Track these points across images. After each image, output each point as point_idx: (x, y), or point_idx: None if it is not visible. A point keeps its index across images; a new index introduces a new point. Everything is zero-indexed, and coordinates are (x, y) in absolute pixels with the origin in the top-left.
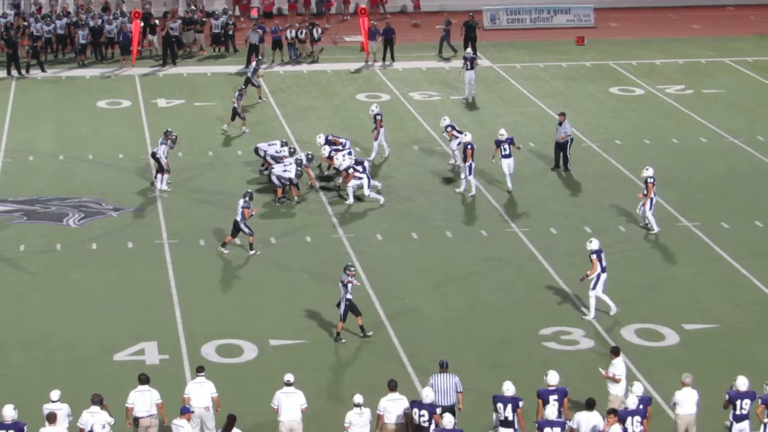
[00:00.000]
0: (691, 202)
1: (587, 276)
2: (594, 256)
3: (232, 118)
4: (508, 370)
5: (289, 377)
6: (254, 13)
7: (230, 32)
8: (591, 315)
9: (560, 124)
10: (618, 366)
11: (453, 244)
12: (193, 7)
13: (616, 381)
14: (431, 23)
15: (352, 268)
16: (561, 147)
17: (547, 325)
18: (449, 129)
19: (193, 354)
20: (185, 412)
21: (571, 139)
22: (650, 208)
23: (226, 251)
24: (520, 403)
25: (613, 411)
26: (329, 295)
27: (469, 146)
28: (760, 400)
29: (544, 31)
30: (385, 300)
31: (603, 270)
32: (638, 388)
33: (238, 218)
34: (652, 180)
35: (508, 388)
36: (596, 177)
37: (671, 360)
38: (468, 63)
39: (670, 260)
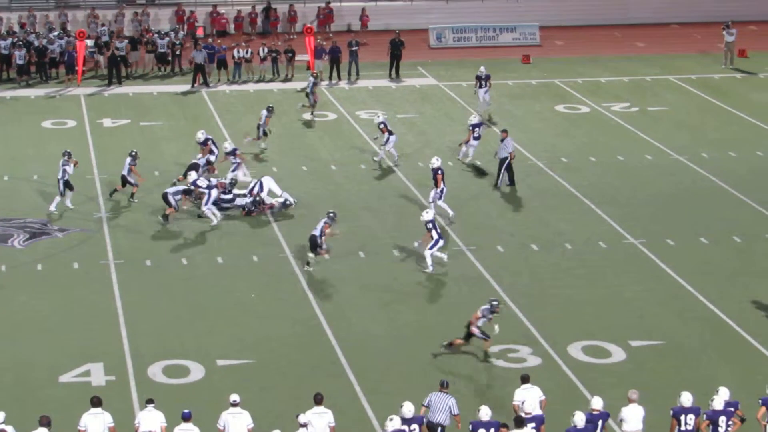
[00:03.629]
0: (637, 219)
1: None
2: None
3: (258, 137)
4: (456, 388)
5: (234, 397)
6: (200, 32)
7: (177, 52)
8: None
9: (502, 140)
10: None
11: (400, 262)
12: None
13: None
14: (378, 42)
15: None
16: (503, 164)
17: (494, 342)
18: (382, 126)
19: (139, 375)
20: (187, 417)
21: (512, 156)
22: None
23: (311, 269)
24: (424, 420)
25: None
26: (276, 314)
27: (439, 171)
28: (704, 416)
29: (490, 49)
30: (332, 318)
31: None
32: (596, 402)
33: (317, 233)
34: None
35: (410, 410)
36: (542, 195)
37: (618, 377)
38: (479, 82)
39: (616, 277)
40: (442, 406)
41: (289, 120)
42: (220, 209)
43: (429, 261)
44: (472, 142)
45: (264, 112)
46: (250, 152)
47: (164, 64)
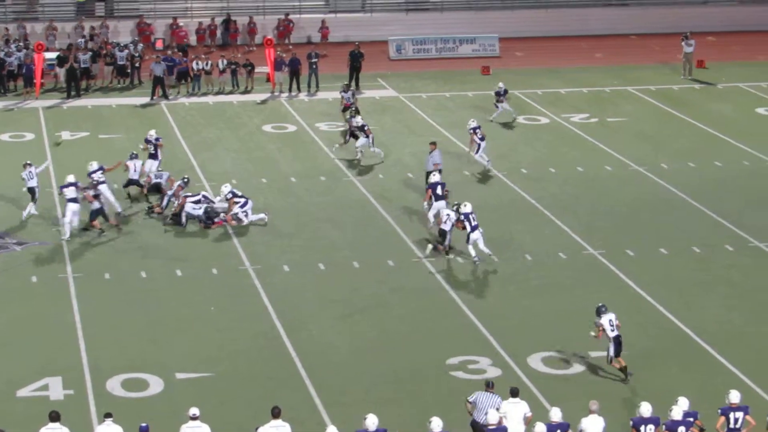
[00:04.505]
0: (597, 230)
1: None
2: None
3: (347, 140)
4: (417, 400)
5: (194, 411)
6: (159, 45)
7: (136, 64)
8: None
9: (431, 153)
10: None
11: (360, 274)
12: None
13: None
14: (337, 54)
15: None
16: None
17: (454, 354)
18: (367, 128)
19: (98, 389)
20: (146, 431)
21: (440, 170)
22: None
23: (428, 254)
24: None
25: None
26: (235, 327)
27: (428, 188)
28: (664, 426)
29: (449, 60)
30: (292, 331)
31: None
32: (555, 413)
33: (447, 228)
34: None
35: (374, 422)
36: (502, 206)
37: (578, 387)
38: (499, 97)
39: (576, 288)
40: (489, 404)
41: (248, 132)
42: (178, 223)
43: (472, 252)
44: (481, 143)
45: (351, 118)
46: (344, 158)
47: (123, 77)
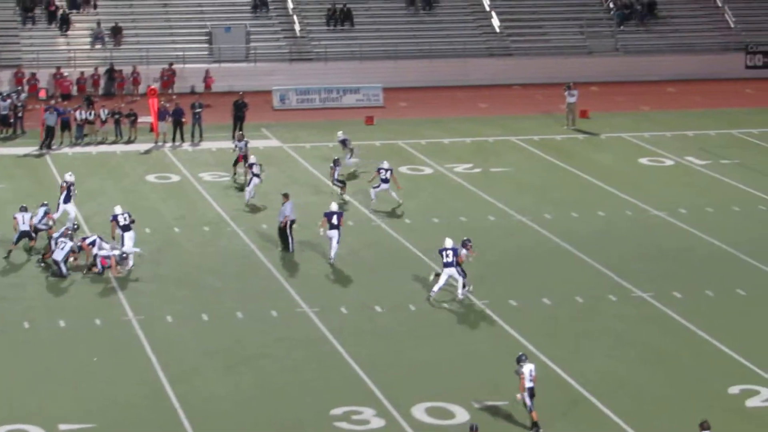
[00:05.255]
0: (480, 280)
1: None
2: None
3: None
4: None
5: None
6: (42, 94)
7: (19, 114)
8: None
9: (283, 204)
10: None
11: (244, 324)
12: None
13: None
14: (221, 103)
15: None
16: (285, 230)
17: (338, 404)
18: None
19: None
20: None
21: (292, 221)
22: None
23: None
24: None
25: None
26: (119, 378)
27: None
28: None
29: (333, 110)
30: (176, 382)
31: None
32: None
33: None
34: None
35: None
36: (386, 256)
37: None
38: (344, 145)
39: (460, 338)
40: None
41: (132, 182)
42: (60, 275)
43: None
44: (383, 186)
45: (334, 166)
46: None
47: (6, 126)
